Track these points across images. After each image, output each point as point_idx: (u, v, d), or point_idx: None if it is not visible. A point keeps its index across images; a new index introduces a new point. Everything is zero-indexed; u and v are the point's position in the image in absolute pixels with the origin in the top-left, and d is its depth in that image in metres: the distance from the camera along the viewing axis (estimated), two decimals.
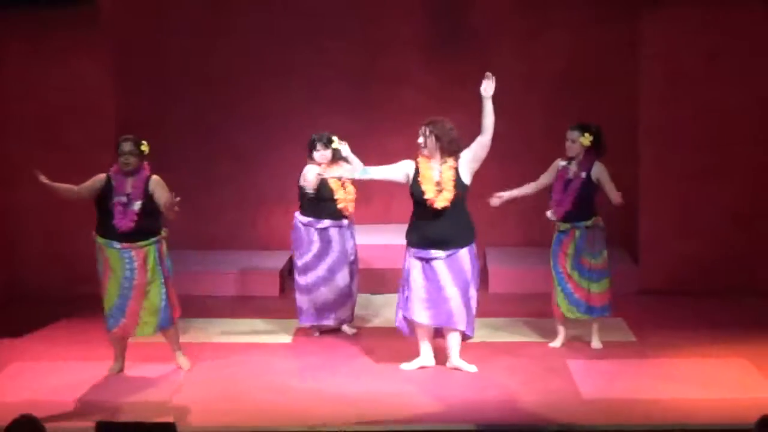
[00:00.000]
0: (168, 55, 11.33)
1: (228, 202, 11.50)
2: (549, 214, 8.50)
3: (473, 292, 7.98)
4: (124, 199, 7.79)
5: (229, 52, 11.34)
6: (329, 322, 9.01)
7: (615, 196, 8.30)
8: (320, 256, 8.90)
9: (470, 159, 7.90)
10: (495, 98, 11.23)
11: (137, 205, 7.79)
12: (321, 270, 8.91)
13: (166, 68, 11.33)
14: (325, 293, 8.91)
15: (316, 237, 8.89)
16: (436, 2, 11.39)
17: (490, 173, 11.21)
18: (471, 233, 7.98)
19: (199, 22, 11.34)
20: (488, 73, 7.78)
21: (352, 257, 8.97)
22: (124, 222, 7.78)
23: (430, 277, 7.86)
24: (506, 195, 8.60)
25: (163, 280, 7.92)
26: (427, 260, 7.86)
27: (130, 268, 7.81)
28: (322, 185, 8.81)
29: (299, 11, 11.35)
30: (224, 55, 11.35)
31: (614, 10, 11.03)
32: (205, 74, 11.36)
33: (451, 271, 7.84)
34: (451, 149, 7.86)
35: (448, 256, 7.83)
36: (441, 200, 7.78)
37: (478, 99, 11.29)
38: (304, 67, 11.34)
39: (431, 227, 7.82)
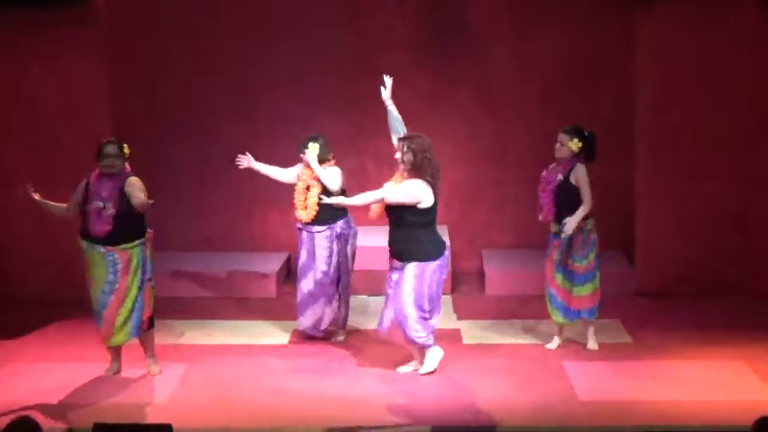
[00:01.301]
0: (162, 55, 11.30)
1: (223, 203, 11.48)
2: (540, 217, 8.53)
3: (410, 311, 7.85)
4: (100, 204, 7.74)
5: (222, 53, 11.32)
6: (299, 325, 9.00)
7: (586, 200, 8.32)
8: (297, 255, 9.00)
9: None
10: (490, 96, 11.33)
11: (110, 208, 7.73)
12: (297, 269, 8.97)
13: (159, 69, 11.31)
14: (298, 293, 8.94)
15: (298, 235, 8.96)
16: (429, 0, 11.37)
17: (488, 174, 11.30)
18: (424, 251, 7.85)
19: (192, 22, 11.30)
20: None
21: (324, 266, 8.80)
22: (99, 226, 7.73)
23: (392, 284, 7.96)
24: None
25: (140, 285, 7.85)
26: (392, 268, 7.97)
27: (113, 272, 7.76)
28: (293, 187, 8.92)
29: (292, 11, 11.33)
30: (218, 56, 11.32)
31: (609, 9, 11.03)
32: (199, 74, 11.33)
33: (400, 281, 7.88)
34: (418, 166, 7.83)
35: (401, 267, 7.88)
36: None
37: (472, 100, 11.38)
38: (299, 67, 11.32)
39: (391, 238, 7.95)
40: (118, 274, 7.75)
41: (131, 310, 7.83)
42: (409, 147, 7.85)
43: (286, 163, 9.12)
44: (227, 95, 11.36)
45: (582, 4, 11.16)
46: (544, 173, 8.54)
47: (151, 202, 7.71)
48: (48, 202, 8.00)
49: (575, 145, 8.35)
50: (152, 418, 7.07)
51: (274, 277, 10.55)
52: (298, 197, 8.84)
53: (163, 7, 11.29)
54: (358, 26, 11.35)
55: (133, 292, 7.82)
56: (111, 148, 7.82)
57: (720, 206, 10.26)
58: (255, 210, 11.49)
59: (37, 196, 7.94)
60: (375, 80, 11.32)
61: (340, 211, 8.80)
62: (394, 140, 8.16)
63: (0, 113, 10.23)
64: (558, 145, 8.44)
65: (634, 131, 10.44)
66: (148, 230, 7.93)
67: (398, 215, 7.85)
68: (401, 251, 7.87)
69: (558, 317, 8.55)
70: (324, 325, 8.92)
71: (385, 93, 8.31)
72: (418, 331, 7.90)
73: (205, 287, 10.45)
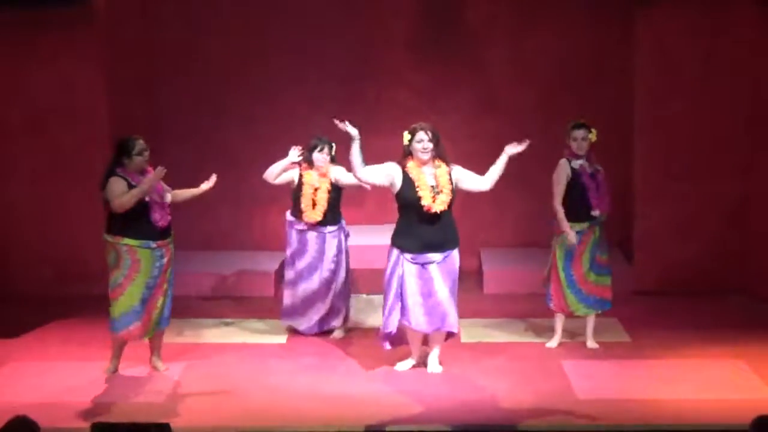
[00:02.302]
0: (161, 56, 11.31)
1: (222, 202, 11.45)
2: (595, 212, 8.42)
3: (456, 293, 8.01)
4: (156, 196, 7.81)
5: (221, 53, 11.33)
6: (299, 326, 9.02)
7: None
8: (295, 256, 8.97)
9: (460, 179, 7.89)
10: (490, 96, 11.35)
11: (168, 199, 7.89)
12: (294, 271, 8.96)
13: (159, 69, 11.31)
14: (294, 294, 8.95)
15: (294, 237, 8.94)
16: (428, 1, 11.39)
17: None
18: (458, 235, 7.99)
19: (191, 22, 11.32)
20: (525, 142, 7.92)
21: (332, 265, 8.88)
22: (163, 217, 7.82)
23: (425, 281, 7.86)
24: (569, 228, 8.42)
25: (172, 277, 7.99)
26: (422, 264, 7.85)
27: (159, 267, 7.82)
28: (298, 188, 8.88)
29: (291, 12, 11.34)
30: (217, 56, 11.34)
31: (608, 8, 11.05)
32: (198, 75, 11.35)
33: (443, 272, 7.85)
34: (441, 153, 7.88)
35: (444, 258, 7.85)
36: (439, 204, 7.77)
37: (471, 99, 11.38)
38: (298, 67, 11.33)
39: (428, 231, 7.80)
40: (162, 269, 7.83)
41: (165, 303, 7.92)
42: (434, 135, 7.84)
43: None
44: (227, 95, 11.37)
45: (581, 3, 11.17)
46: (576, 167, 8.39)
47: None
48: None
49: (594, 135, 8.41)
50: (150, 416, 7.05)
51: (273, 275, 10.55)
52: (305, 199, 8.83)
53: (163, 7, 11.30)
54: (358, 26, 11.36)
55: (169, 285, 7.93)
56: (143, 144, 7.86)
57: (719, 205, 10.27)
58: (254, 209, 11.50)
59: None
60: (375, 80, 11.42)
61: (339, 211, 8.87)
62: (361, 170, 7.81)
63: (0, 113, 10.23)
64: (578, 142, 8.38)
65: (634, 130, 10.44)
66: None
67: (454, 201, 7.87)
68: (446, 240, 7.84)
69: (582, 309, 8.54)
70: (338, 322, 9.00)
71: (354, 130, 7.87)
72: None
73: (203, 286, 10.45)
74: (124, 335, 7.89)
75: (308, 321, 8.98)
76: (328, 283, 8.88)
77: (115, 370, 8.07)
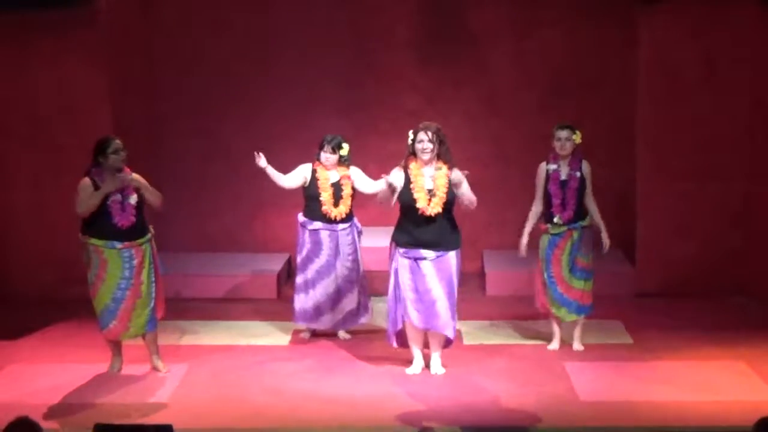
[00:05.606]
0: (162, 57, 11.31)
1: (224, 204, 11.48)
2: (557, 219, 8.44)
3: (454, 300, 7.97)
4: (119, 196, 7.80)
5: (224, 54, 11.34)
6: (318, 325, 9.00)
7: (592, 197, 8.47)
8: (310, 257, 8.91)
9: (456, 185, 7.80)
10: (492, 97, 11.34)
11: (134, 200, 7.83)
12: (310, 272, 8.91)
13: (160, 70, 11.32)
14: (313, 296, 8.90)
15: (307, 238, 8.90)
16: (430, 2, 11.39)
17: (489, 174, 11.29)
18: (458, 238, 7.99)
19: (192, 24, 11.32)
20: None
21: (348, 263, 8.91)
22: (125, 218, 7.78)
23: (418, 278, 7.88)
24: (525, 238, 8.54)
25: (153, 280, 7.96)
26: (415, 260, 7.87)
27: (129, 268, 7.81)
28: (312, 185, 8.83)
29: (293, 12, 11.34)
30: (219, 57, 11.34)
31: (610, 11, 11.05)
32: (200, 76, 11.35)
33: (437, 271, 7.86)
34: (445, 155, 7.88)
35: (438, 257, 7.85)
36: (433, 207, 7.80)
37: (473, 101, 11.38)
38: (299, 68, 11.33)
39: (421, 231, 7.85)
40: (134, 270, 7.82)
41: (148, 306, 7.91)
42: (436, 135, 7.84)
43: (286, 162, 9.10)
44: (228, 96, 11.37)
45: (583, 4, 11.17)
46: (550, 172, 8.44)
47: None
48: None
49: (578, 137, 8.39)
50: (153, 418, 7.07)
51: (275, 277, 10.54)
52: (325, 195, 8.80)
53: (164, 8, 11.30)
54: (360, 27, 11.37)
55: (148, 286, 7.91)
56: (118, 143, 7.86)
57: (721, 206, 10.26)
58: (256, 211, 11.50)
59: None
60: (377, 81, 11.41)
61: (351, 209, 8.91)
62: (390, 207, 7.94)
63: (0, 113, 10.22)
64: (561, 142, 8.39)
65: (635, 131, 10.44)
66: (150, 227, 8.02)
67: (452, 204, 7.87)
68: (443, 241, 7.85)
69: (565, 315, 8.52)
70: (365, 318, 9.04)
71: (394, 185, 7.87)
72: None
73: (206, 288, 10.45)
74: (105, 334, 7.95)
75: (332, 319, 8.95)
76: (350, 281, 8.88)
77: (120, 369, 8.09)
